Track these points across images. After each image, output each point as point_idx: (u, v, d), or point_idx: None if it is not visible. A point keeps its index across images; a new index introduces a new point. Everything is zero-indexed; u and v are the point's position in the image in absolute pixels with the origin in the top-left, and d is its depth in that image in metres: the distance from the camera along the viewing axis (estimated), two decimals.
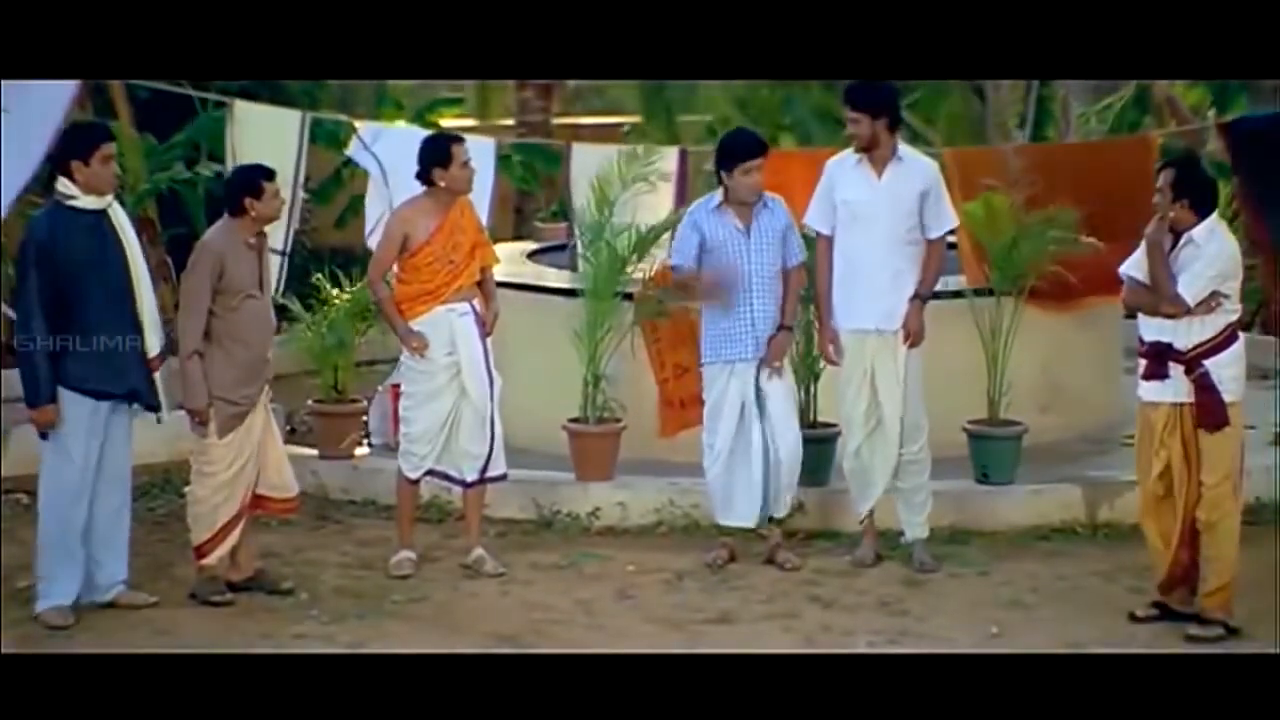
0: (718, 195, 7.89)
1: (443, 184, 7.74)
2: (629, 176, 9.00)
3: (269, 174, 7.52)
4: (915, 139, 14.99)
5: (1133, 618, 7.18)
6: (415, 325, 7.78)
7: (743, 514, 7.92)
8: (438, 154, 7.77)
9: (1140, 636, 7.00)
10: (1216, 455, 6.91)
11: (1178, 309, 6.86)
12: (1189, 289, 6.85)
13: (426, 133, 8.97)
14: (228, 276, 7.33)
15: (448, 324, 7.77)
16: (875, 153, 7.76)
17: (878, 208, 7.72)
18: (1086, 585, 7.66)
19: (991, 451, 8.72)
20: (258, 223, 7.48)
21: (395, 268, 7.89)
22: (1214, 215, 7.02)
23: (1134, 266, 7.06)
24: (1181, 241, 6.92)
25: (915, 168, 7.82)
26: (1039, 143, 13.87)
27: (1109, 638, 6.92)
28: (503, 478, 8.02)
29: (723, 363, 7.88)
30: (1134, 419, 7.29)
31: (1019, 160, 9.13)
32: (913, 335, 7.77)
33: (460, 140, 7.97)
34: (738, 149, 7.80)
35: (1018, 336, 8.74)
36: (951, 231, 8.22)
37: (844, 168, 7.83)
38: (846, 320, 7.82)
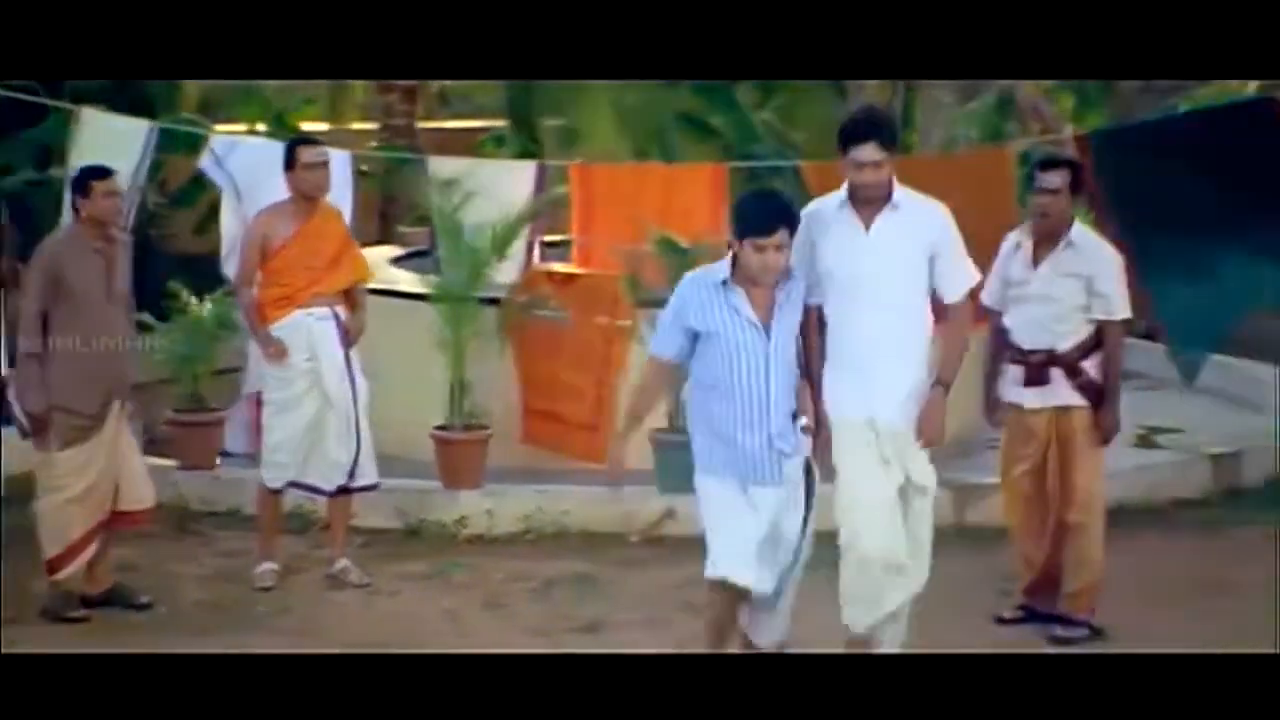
0: (724, 267, 5.89)
1: (290, 186, 7.66)
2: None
3: (100, 173, 7.36)
4: (781, 144, 15.07)
5: (999, 620, 7.22)
6: (274, 330, 7.67)
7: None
8: (285, 157, 7.72)
9: (1007, 638, 7.04)
10: (1089, 457, 6.98)
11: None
12: (1115, 297, 6.91)
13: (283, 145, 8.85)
14: (67, 281, 7.15)
15: (306, 329, 7.66)
16: (868, 195, 6.00)
17: (865, 266, 5.95)
18: (953, 587, 7.69)
19: None
20: (94, 224, 7.30)
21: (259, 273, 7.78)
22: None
23: (995, 299, 7.11)
24: (1061, 244, 6.95)
25: (918, 216, 6.02)
26: (904, 150, 13.97)
27: (976, 639, 6.95)
28: (374, 487, 7.91)
29: (732, 483, 5.93)
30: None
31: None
32: (928, 434, 6.00)
33: (307, 142, 7.89)
34: (748, 218, 5.81)
35: None
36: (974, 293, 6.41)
37: (823, 218, 6.03)
38: (835, 406, 6.06)
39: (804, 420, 5.98)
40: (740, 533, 5.86)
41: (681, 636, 7.09)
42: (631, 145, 14.53)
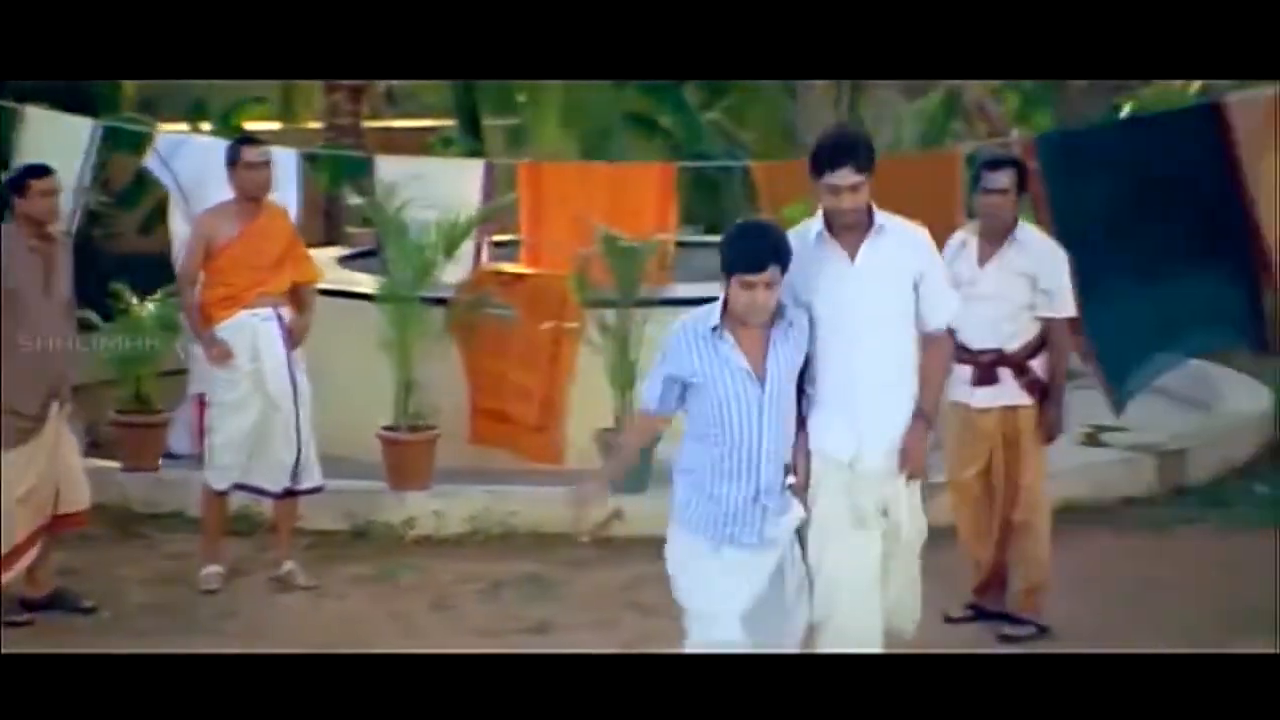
0: (714, 312, 5.37)
1: (233, 186, 7.60)
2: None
3: (38, 172, 7.29)
4: (729, 143, 15.09)
5: (948, 619, 7.23)
6: (218, 330, 7.62)
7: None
8: (228, 157, 7.67)
9: (958, 637, 7.05)
10: (1035, 456, 7.00)
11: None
12: (1061, 295, 6.93)
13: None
14: (4, 281, 7.07)
15: (250, 329, 7.61)
16: (847, 222, 5.59)
17: (853, 299, 5.55)
18: None
19: None
20: (30, 223, 7.22)
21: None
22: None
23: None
24: (1007, 243, 6.95)
25: (903, 240, 5.65)
26: None
27: (925, 638, 6.95)
28: (318, 489, 7.85)
29: (710, 541, 5.45)
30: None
31: None
32: (911, 464, 5.66)
33: (250, 142, 7.84)
34: (735, 252, 5.30)
35: None
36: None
37: (803, 248, 5.53)
38: (819, 444, 5.61)
39: (790, 479, 5.50)
40: (716, 596, 5.38)
41: (630, 637, 7.08)
42: (579, 145, 14.51)
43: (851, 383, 5.53)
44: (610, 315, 8.68)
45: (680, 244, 10.41)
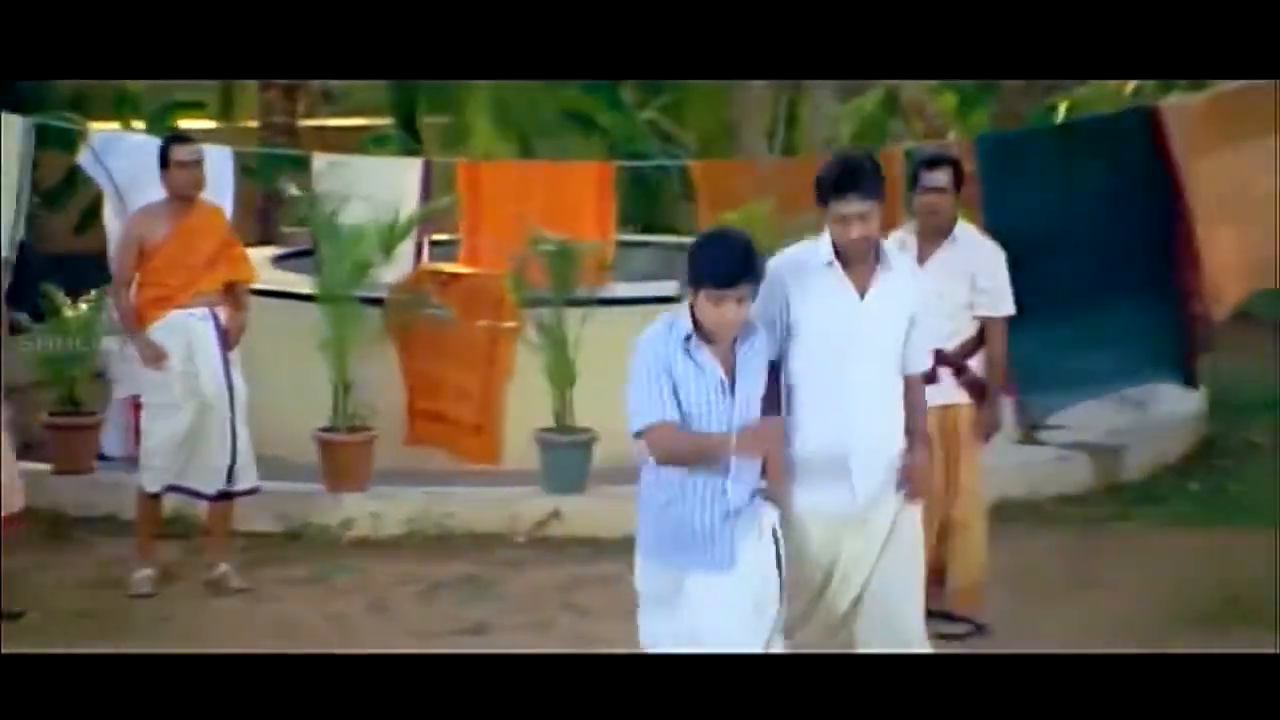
0: (685, 321, 5.00)
1: (165, 185, 7.54)
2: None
3: None
4: (668, 143, 15.07)
5: None
6: (151, 330, 7.55)
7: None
8: (159, 155, 7.61)
9: None
10: (973, 454, 7.02)
11: None
12: (1000, 293, 6.94)
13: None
14: None
15: (185, 329, 7.55)
16: (855, 253, 5.27)
17: (857, 337, 5.27)
18: None
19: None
20: None
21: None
22: None
23: None
24: (946, 242, 6.96)
25: (906, 281, 5.40)
26: (789, 148, 14.03)
27: None
28: (254, 491, 7.79)
29: (674, 570, 5.10)
30: None
31: (769, 172, 9.16)
32: (916, 488, 5.44)
33: (182, 141, 7.78)
34: (705, 265, 4.92)
35: None
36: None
37: (804, 272, 5.27)
38: (804, 499, 5.29)
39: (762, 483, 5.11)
40: (683, 634, 5.05)
41: (567, 637, 7.06)
42: (516, 143, 14.47)
43: (847, 430, 5.23)
44: (548, 315, 8.65)
45: (619, 244, 10.41)
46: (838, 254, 5.27)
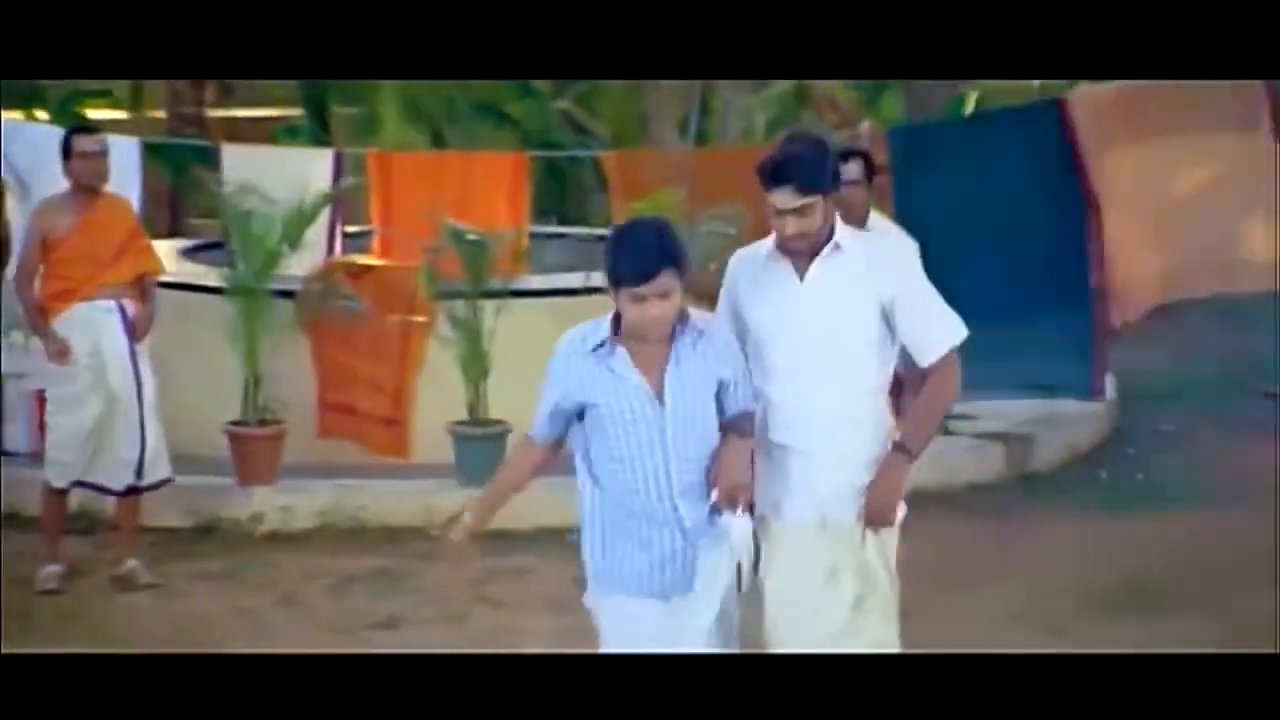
0: (600, 328, 4.62)
1: (68, 176, 7.45)
2: None
3: None
4: (581, 134, 15.05)
5: None
6: (56, 322, 7.45)
7: None
8: (62, 146, 7.51)
9: None
10: None
11: None
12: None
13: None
14: None
15: (90, 322, 7.46)
16: (794, 248, 4.82)
17: (799, 323, 4.80)
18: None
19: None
20: None
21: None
22: None
23: None
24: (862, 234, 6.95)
25: (868, 255, 4.88)
26: (703, 139, 14.03)
27: None
28: (168, 481, 7.71)
29: (620, 596, 4.69)
30: None
31: (682, 163, 9.16)
32: (874, 509, 4.87)
33: (84, 131, 7.69)
34: (619, 261, 4.52)
35: None
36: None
37: (754, 264, 4.88)
38: (777, 507, 4.87)
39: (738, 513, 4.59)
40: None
41: (480, 630, 7.03)
42: (428, 134, 14.40)
43: (804, 424, 4.77)
44: (461, 307, 8.60)
45: (533, 236, 10.38)
46: (780, 245, 4.83)
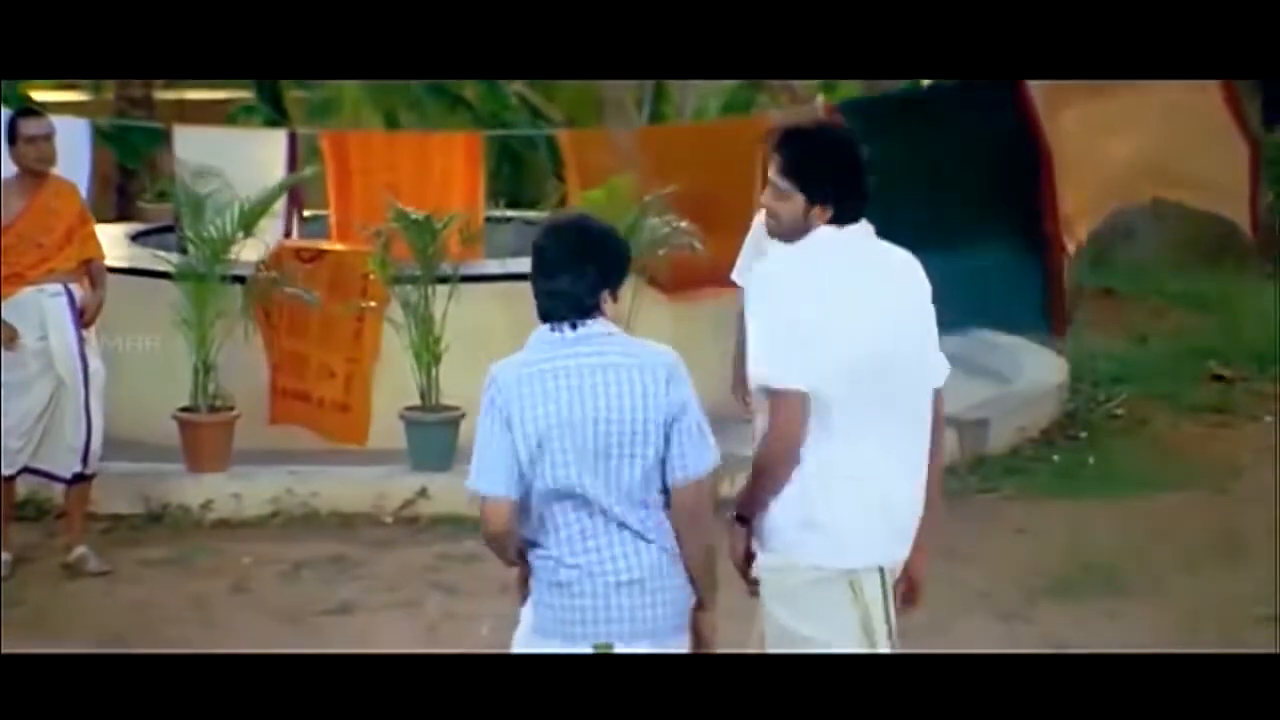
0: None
1: (14, 160, 7.39)
2: None
3: None
4: (536, 116, 14.99)
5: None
6: (4, 308, 7.38)
7: None
8: (7, 130, 7.45)
9: None
10: None
11: None
12: None
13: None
14: None
15: (37, 306, 7.40)
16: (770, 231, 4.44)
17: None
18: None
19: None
20: None
21: None
22: None
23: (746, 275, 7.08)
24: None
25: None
26: (658, 121, 14.00)
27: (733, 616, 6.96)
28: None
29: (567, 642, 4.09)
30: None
31: (633, 143, 9.12)
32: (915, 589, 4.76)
33: (30, 115, 7.62)
34: (536, 265, 4.14)
35: (638, 319, 8.73)
36: None
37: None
38: (838, 553, 4.44)
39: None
40: None
41: (434, 616, 7.00)
42: (382, 115, 14.32)
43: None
44: (414, 292, 8.54)
45: (488, 220, 10.32)
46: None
